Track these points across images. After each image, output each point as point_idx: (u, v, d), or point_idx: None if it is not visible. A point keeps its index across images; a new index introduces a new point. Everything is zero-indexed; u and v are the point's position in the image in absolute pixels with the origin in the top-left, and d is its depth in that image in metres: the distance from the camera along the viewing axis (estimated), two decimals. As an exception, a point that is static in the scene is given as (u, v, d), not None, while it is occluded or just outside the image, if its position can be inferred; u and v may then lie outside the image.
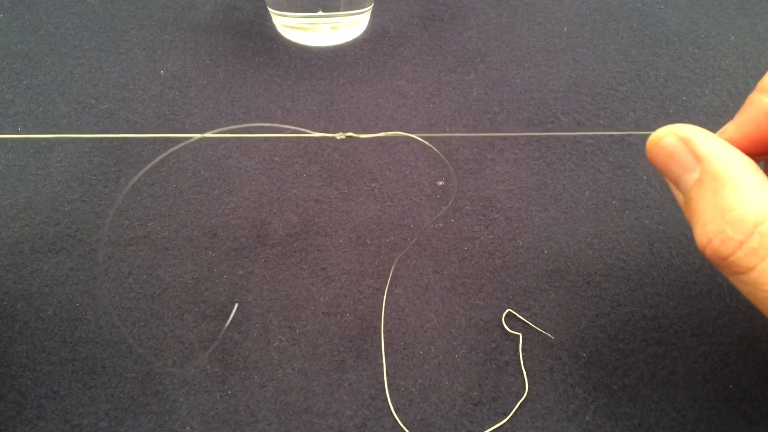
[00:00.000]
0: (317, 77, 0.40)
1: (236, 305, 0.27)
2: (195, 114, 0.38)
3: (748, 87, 0.39)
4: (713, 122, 0.37)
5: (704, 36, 0.43)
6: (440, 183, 0.34)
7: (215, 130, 0.21)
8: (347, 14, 0.41)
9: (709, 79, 0.40)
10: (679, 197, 0.21)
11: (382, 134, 0.21)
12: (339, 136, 0.21)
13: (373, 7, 0.43)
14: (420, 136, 0.21)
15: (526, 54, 0.42)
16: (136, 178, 0.32)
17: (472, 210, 0.33)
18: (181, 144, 0.21)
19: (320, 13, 0.40)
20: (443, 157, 0.22)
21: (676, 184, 0.20)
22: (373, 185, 0.34)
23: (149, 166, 0.31)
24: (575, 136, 0.36)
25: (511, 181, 0.34)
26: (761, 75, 0.42)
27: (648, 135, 0.21)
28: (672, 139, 0.20)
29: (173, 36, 0.43)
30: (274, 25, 0.43)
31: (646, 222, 0.32)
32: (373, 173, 0.35)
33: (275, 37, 0.43)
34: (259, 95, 0.39)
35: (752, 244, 0.18)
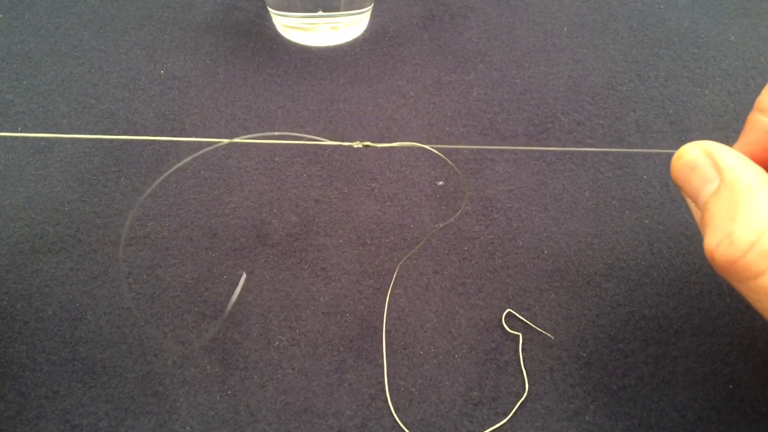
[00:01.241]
0: (317, 77, 0.40)
1: (243, 275, 0.26)
2: (195, 114, 0.38)
3: (748, 87, 0.39)
4: (713, 122, 0.37)
5: (704, 36, 0.43)
6: (440, 183, 0.34)
7: (243, 137, 0.21)
8: (347, 14, 0.41)
9: (709, 79, 0.40)
10: (697, 215, 0.21)
11: (398, 144, 0.21)
12: (356, 144, 0.21)
13: (373, 7, 0.43)
14: (435, 148, 0.21)
15: (526, 54, 0.42)
16: (164, 176, 0.32)
17: (472, 210, 0.33)
18: (209, 148, 0.21)
19: (320, 13, 0.40)
20: (455, 167, 0.22)
21: (696, 198, 0.20)
22: (373, 185, 0.34)
23: (179, 164, 0.31)
24: (574, 136, 0.36)
25: (511, 181, 0.34)
26: (761, 75, 0.42)
27: (670, 153, 0.21)
28: (697, 151, 0.20)
29: (173, 36, 0.43)
30: (274, 25, 0.43)
31: (646, 222, 0.32)
32: (373, 173, 0.35)
33: (275, 37, 0.43)
34: (259, 95, 0.39)
35: (764, 246, 0.17)
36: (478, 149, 0.36)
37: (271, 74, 0.40)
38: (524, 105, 0.38)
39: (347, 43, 0.43)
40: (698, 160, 0.20)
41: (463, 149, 0.36)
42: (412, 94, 0.39)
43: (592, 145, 0.36)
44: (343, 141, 0.36)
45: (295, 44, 0.42)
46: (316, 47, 0.42)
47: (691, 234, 0.32)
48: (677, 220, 0.32)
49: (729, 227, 0.18)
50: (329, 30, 0.41)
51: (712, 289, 0.30)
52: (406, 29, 0.44)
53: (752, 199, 0.18)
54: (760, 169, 0.19)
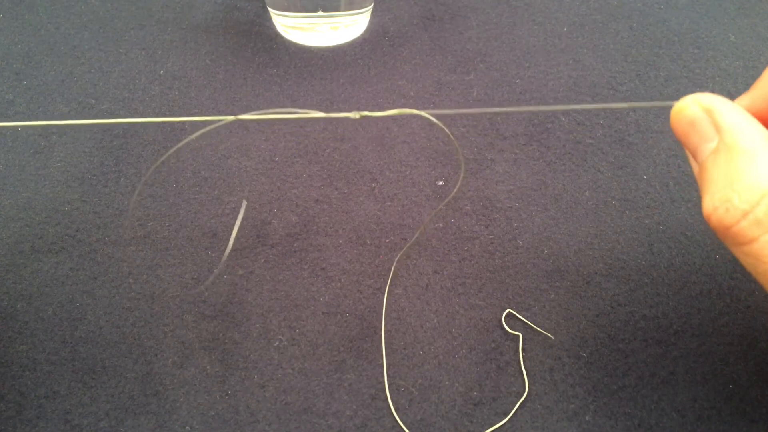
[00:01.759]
0: (317, 77, 0.40)
1: (244, 203, 0.26)
2: (195, 114, 0.38)
3: (748, 87, 0.39)
4: (713, 122, 0.37)
5: (704, 36, 0.43)
6: (440, 183, 0.34)
7: (247, 114, 0.21)
8: (347, 14, 0.41)
9: (709, 79, 0.40)
10: (695, 168, 0.20)
11: (395, 111, 0.21)
12: (353, 115, 0.21)
13: (373, 7, 0.43)
14: (430, 113, 0.21)
15: (526, 54, 0.42)
16: (163, 158, 0.32)
17: (472, 210, 0.33)
18: (213, 126, 0.21)
19: (320, 13, 0.40)
20: (452, 137, 0.22)
21: (694, 154, 0.20)
22: (373, 185, 0.34)
23: (178, 146, 0.31)
24: (574, 136, 0.36)
25: (511, 181, 0.34)
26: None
27: (670, 106, 0.21)
28: (695, 108, 0.20)
29: (173, 36, 0.43)
30: (274, 25, 0.43)
31: (646, 222, 0.32)
32: (373, 173, 0.35)
33: (275, 37, 0.43)
34: (259, 95, 0.39)
35: (757, 215, 0.17)
36: (476, 149, 0.36)
37: (271, 74, 0.40)
38: (524, 105, 0.38)
39: (347, 43, 0.43)
40: (696, 116, 0.20)
41: (461, 148, 0.36)
42: (412, 94, 0.39)
43: (592, 145, 0.36)
44: (343, 141, 0.36)
45: (295, 44, 0.42)
46: (316, 47, 0.42)
47: (691, 234, 0.32)
48: (677, 220, 0.32)
49: (726, 193, 0.18)
50: (329, 30, 0.41)
51: (712, 289, 0.30)
52: (406, 29, 0.44)
53: (751, 163, 0.18)
54: (760, 127, 0.18)
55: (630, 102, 0.32)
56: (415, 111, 0.21)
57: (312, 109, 0.38)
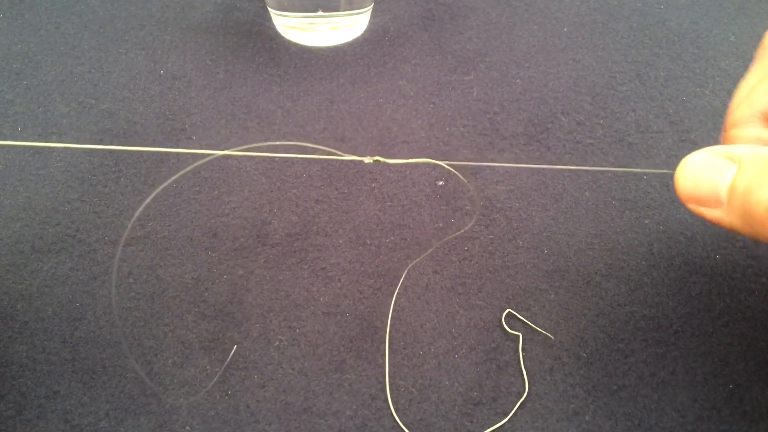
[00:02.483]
0: (317, 77, 0.40)
1: (234, 347, 0.27)
2: (195, 114, 0.38)
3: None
4: (713, 122, 0.37)
5: (704, 36, 0.43)
6: (440, 183, 0.34)
7: (242, 147, 0.21)
8: (347, 14, 0.41)
9: (709, 79, 0.40)
10: (715, 214, 0.20)
11: (411, 161, 0.21)
12: (367, 160, 0.21)
13: (373, 7, 0.43)
14: (448, 164, 0.21)
15: (526, 54, 0.42)
16: (159, 190, 0.32)
17: (472, 210, 0.33)
18: (205, 160, 0.21)
19: (320, 13, 0.40)
20: (466, 182, 0.22)
21: (714, 189, 0.20)
22: (373, 185, 0.34)
23: (176, 176, 0.31)
24: (574, 136, 0.36)
25: (511, 181, 0.34)
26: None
27: (671, 173, 0.21)
28: (703, 153, 0.20)
29: (173, 36, 0.43)
30: (274, 25, 0.43)
31: (646, 222, 0.32)
32: (373, 173, 0.35)
33: (275, 37, 0.43)
34: (259, 95, 0.39)
35: None
36: (476, 149, 0.36)
37: (271, 74, 0.40)
38: (524, 105, 0.38)
39: (347, 43, 0.43)
40: (709, 159, 0.20)
41: (460, 148, 0.36)
42: (412, 94, 0.39)
43: (592, 145, 0.36)
44: (343, 141, 0.36)
45: (295, 44, 0.42)
46: (316, 47, 0.42)
47: (691, 234, 0.32)
48: (677, 220, 0.32)
49: None
50: (329, 30, 0.41)
51: (712, 289, 0.30)
52: (406, 29, 0.44)
53: None
54: None
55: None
56: (431, 161, 0.21)
57: (312, 110, 0.38)
